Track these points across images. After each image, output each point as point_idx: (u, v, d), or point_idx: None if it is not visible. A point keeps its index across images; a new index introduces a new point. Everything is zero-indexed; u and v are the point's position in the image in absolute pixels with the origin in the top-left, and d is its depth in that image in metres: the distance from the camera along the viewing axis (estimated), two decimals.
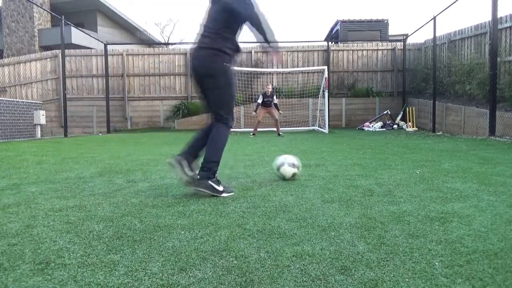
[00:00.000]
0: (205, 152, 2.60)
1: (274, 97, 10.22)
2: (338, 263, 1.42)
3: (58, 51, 13.78)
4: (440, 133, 9.97)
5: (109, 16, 22.82)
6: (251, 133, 10.38)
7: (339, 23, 15.05)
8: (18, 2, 19.58)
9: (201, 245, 1.62)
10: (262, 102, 10.09)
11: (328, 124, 11.46)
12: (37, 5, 12.20)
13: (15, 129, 10.27)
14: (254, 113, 10.35)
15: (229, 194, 2.60)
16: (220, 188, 2.57)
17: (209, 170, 2.55)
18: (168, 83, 14.51)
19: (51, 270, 1.38)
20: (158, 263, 1.43)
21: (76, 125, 14.32)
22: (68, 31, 17.63)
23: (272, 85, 10.80)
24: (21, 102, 10.90)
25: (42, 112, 11.24)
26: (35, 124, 11.10)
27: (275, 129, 10.38)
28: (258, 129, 10.57)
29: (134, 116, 14.54)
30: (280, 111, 10.53)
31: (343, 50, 14.17)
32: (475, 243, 1.61)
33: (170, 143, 7.50)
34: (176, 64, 14.43)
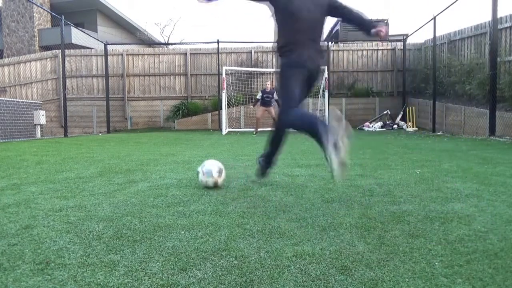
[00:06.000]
0: None
1: (275, 94, 10.10)
2: (338, 263, 1.42)
3: (58, 51, 13.77)
4: (440, 133, 9.97)
5: (109, 16, 22.80)
6: (254, 132, 10.38)
7: (339, 23, 15.01)
8: (18, 2, 19.55)
9: (201, 245, 1.62)
10: (261, 99, 10.08)
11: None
12: (37, 5, 12.18)
13: (15, 129, 10.27)
14: (251, 106, 10.38)
15: None
16: None
17: None
18: (168, 83, 14.50)
19: (51, 270, 1.38)
20: (158, 263, 1.43)
21: (76, 125, 14.32)
22: (68, 31, 17.61)
23: (272, 84, 10.86)
24: (21, 102, 10.90)
25: (42, 112, 11.24)
26: (35, 124, 11.09)
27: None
28: (259, 129, 10.57)
29: (134, 116, 14.54)
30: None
31: (343, 50, 14.17)
32: (475, 243, 1.61)
33: (170, 143, 7.50)
34: (176, 64, 14.42)
